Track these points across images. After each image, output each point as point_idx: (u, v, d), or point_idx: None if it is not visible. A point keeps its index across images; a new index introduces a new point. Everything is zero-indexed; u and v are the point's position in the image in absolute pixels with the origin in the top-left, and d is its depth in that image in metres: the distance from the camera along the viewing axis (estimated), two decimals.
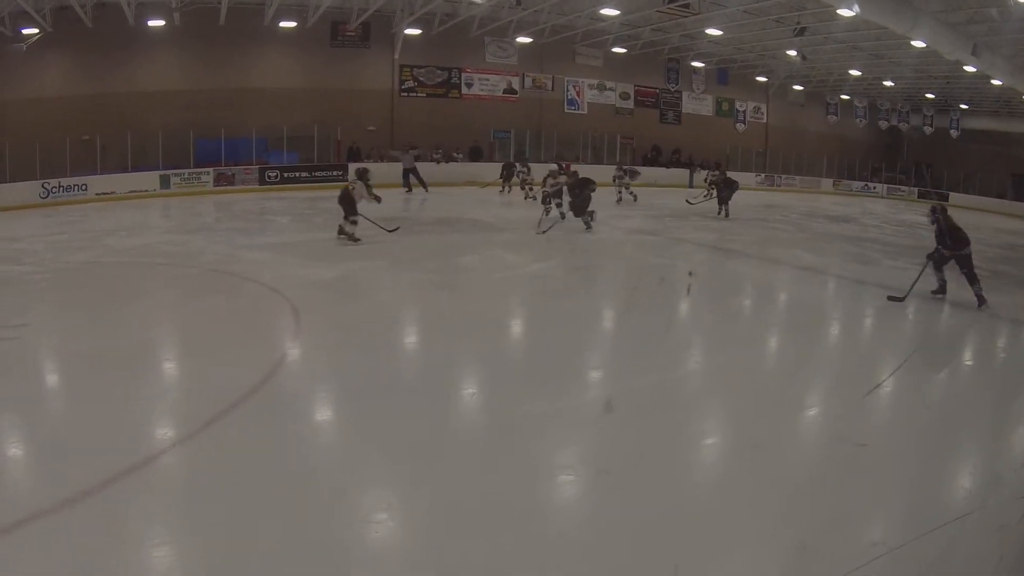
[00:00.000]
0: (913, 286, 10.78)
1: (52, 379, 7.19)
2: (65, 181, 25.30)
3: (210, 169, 24.95)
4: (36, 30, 26.62)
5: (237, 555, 3.94)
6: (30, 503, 4.38)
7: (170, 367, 7.49)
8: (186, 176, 25.65)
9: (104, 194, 25.22)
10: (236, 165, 25.44)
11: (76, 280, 11.83)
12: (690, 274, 12.73)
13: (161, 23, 26.52)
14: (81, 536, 4.09)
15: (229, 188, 24.46)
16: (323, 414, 6.28)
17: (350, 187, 14.04)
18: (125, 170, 25.47)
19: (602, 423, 6.00)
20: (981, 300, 10.67)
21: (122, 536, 4.10)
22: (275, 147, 26.91)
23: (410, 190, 25.13)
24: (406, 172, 25.40)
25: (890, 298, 10.88)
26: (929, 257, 11.03)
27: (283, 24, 27.26)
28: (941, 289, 11.14)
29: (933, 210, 11.23)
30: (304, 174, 26.21)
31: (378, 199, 14.05)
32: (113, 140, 25.50)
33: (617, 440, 5.67)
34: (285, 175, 26.15)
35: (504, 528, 4.27)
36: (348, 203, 13.92)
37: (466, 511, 4.44)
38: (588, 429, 5.89)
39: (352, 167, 22.94)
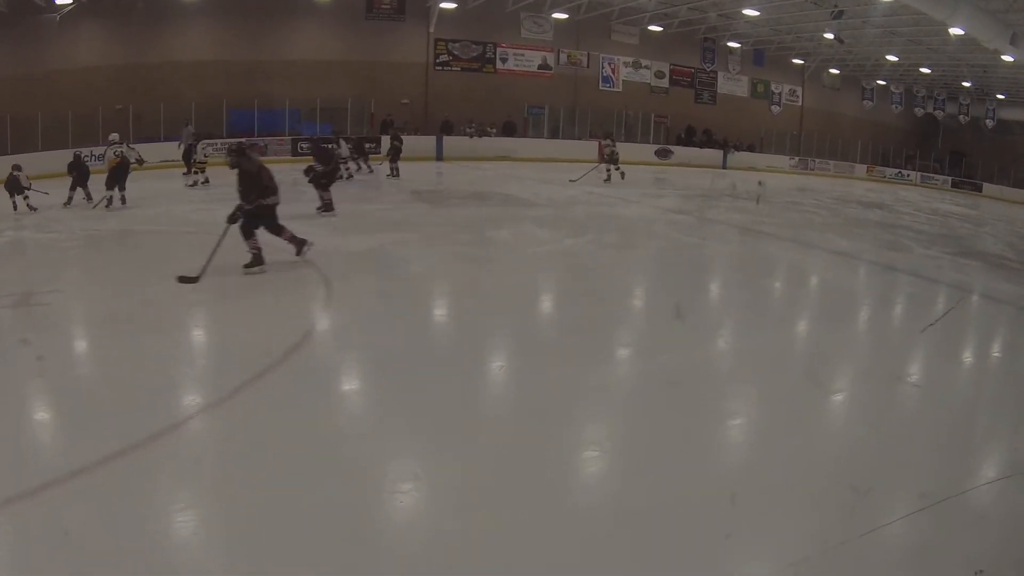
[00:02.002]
0: None
1: (81, 344, 7.21)
2: (97, 150, 25.39)
3: (243, 139, 24.82)
4: (69, 0, 26.72)
5: (261, 522, 3.93)
6: (59, 464, 4.42)
7: (199, 334, 7.55)
8: (218, 147, 25.70)
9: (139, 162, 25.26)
10: (269, 136, 25.40)
11: (106, 247, 11.99)
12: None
13: None
14: (109, 498, 4.11)
15: (261, 159, 24.36)
16: (351, 384, 6.23)
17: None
18: (158, 140, 25.41)
19: (633, 398, 5.96)
20: None
21: (149, 499, 4.12)
22: (308, 119, 26.95)
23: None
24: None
25: None
26: None
27: None
28: None
29: None
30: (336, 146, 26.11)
31: None
32: (146, 110, 25.67)
33: (654, 414, 5.61)
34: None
35: (530, 502, 4.23)
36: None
37: (492, 484, 4.40)
38: (617, 405, 5.82)
39: (384, 139, 22.96)
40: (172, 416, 5.14)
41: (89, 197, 15.52)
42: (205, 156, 20.11)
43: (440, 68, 29.80)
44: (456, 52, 29.88)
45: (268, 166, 10.02)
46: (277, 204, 9.66)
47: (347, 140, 21.93)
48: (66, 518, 3.89)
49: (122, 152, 15.86)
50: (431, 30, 29.34)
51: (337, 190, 14.90)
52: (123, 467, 4.44)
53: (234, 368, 6.03)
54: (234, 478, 4.38)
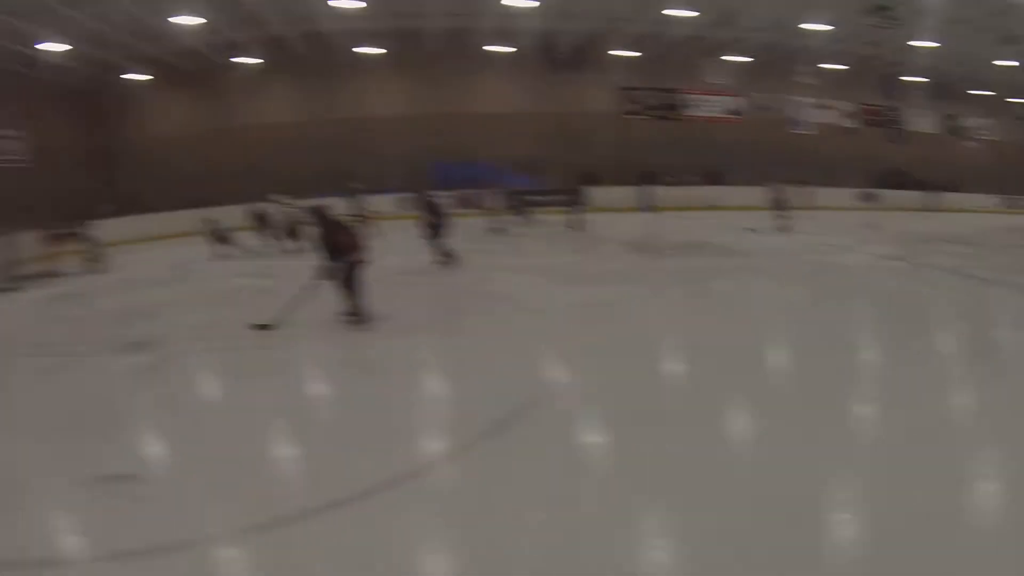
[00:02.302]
0: None
1: (320, 387, 7.93)
2: (300, 202, 26.37)
3: (449, 192, 25.54)
4: (253, 60, 28.49)
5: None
6: (299, 501, 4.74)
7: (435, 382, 7.82)
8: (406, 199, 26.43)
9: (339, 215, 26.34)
10: (472, 188, 25.98)
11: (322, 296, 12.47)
12: None
13: (377, 51, 28.08)
14: (345, 537, 4.34)
15: (469, 211, 24.80)
16: (584, 438, 6.11)
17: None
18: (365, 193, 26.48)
19: (879, 462, 5.37)
20: None
21: (385, 541, 4.30)
22: (509, 170, 27.35)
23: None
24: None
25: None
26: None
27: (501, 49, 28.02)
28: None
29: None
30: (539, 197, 26.45)
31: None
32: (341, 163, 26.78)
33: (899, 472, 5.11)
34: (524, 199, 26.38)
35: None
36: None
37: (732, 553, 4.13)
38: (863, 468, 5.25)
39: (584, 190, 23.02)
40: (408, 461, 5.43)
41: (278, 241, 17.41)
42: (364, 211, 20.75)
43: (629, 116, 29.85)
44: (642, 100, 29.97)
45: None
46: (358, 262, 10.02)
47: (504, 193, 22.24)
48: (300, 555, 4.16)
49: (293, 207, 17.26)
50: (615, 79, 29.48)
51: (547, 242, 15.20)
52: (359, 510, 4.69)
53: (472, 417, 6.24)
54: (468, 526, 4.52)
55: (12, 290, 16.19)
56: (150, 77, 30.53)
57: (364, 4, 23.71)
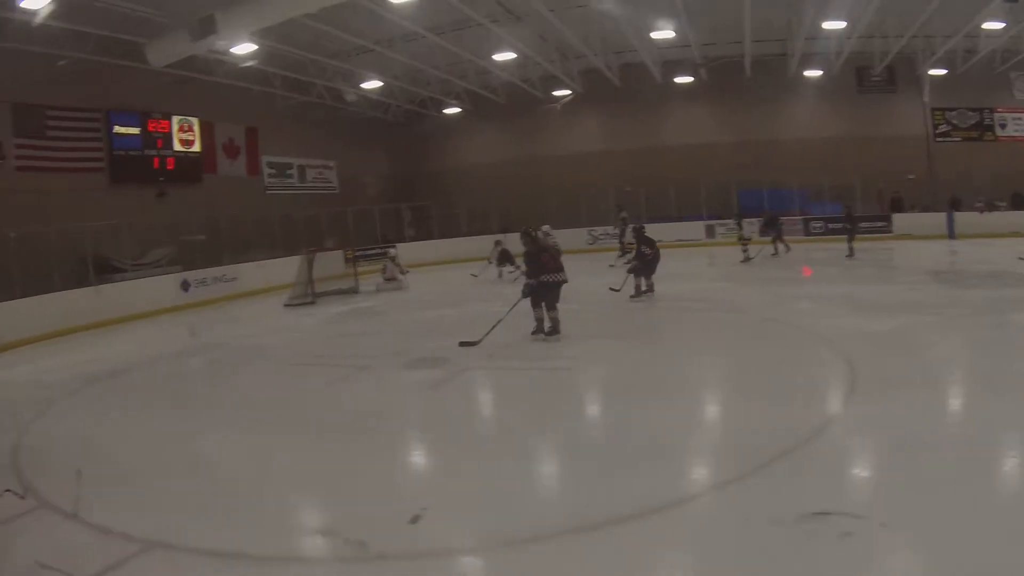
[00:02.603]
0: None
1: (590, 409, 8.25)
2: (612, 229, 26.92)
3: (754, 219, 25.59)
4: (568, 92, 29.32)
5: None
6: (553, 521, 4.93)
7: (708, 409, 7.93)
8: (730, 227, 26.58)
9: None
10: (780, 215, 25.87)
11: (624, 319, 13.27)
12: None
13: (688, 79, 27.97)
14: (604, 559, 4.43)
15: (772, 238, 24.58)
16: (871, 473, 5.83)
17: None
18: (670, 219, 26.62)
19: None
20: None
21: (644, 566, 4.37)
22: (816, 198, 27.05)
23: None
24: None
25: None
26: None
27: (808, 73, 27.51)
28: None
29: None
30: (848, 225, 26.10)
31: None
32: (655, 191, 27.02)
33: None
34: (829, 226, 25.98)
35: None
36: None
37: None
38: None
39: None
40: (681, 485, 5.51)
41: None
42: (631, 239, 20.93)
43: (940, 139, 28.93)
44: (954, 121, 29.00)
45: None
46: (562, 282, 11.19)
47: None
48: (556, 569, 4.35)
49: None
50: (925, 99, 28.59)
51: (843, 269, 15.99)
52: (624, 532, 4.74)
53: (753, 446, 6.11)
54: (733, 558, 4.42)
55: (312, 304, 18.07)
56: (461, 110, 32.12)
57: (674, 34, 23.93)
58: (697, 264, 21.45)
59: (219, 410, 9.15)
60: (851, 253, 20.60)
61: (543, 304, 11.15)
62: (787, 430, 6.40)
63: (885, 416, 6.74)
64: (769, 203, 26.11)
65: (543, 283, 11.08)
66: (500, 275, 20.18)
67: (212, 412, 9.02)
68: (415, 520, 5.16)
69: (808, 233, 26.47)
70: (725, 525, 4.86)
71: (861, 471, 5.87)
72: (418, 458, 7.14)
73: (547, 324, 11.22)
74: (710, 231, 27.58)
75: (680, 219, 27.67)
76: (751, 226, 22.65)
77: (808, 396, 7.65)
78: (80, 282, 18.11)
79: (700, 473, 6.04)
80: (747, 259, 21.06)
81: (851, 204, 23.50)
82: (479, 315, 13.14)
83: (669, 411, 7.31)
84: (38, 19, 16.23)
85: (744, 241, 21.59)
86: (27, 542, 5.29)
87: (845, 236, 21.20)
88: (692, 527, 4.94)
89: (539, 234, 17.70)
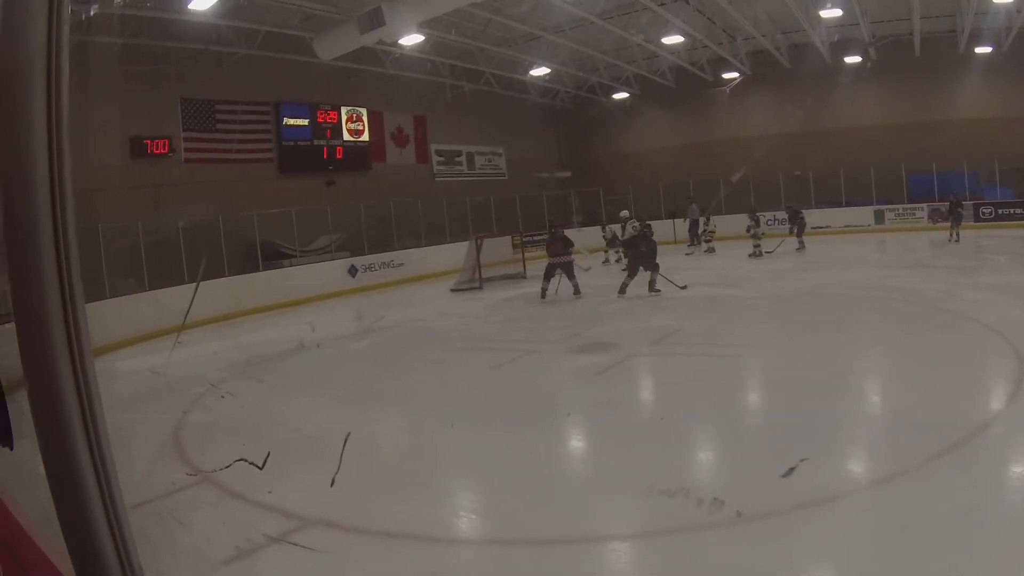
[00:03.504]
0: None
1: (755, 396, 8.10)
2: (780, 215, 26.25)
3: (923, 204, 24.04)
4: (736, 74, 28.31)
5: None
6: (710, 513, 4.68)
7: (876, 399, 7.63)
8: (900, 211, 25.12)
9: (818, 228, 25.71)
10: (952, 200, 24.28)
11: (793, 307, 13.09)
12: None
13: (857, 59, 26.75)
14: (746, 554, 4.27)
15: (944, 225, 23.11)
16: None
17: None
18: (838, 204, 25.97)
19: None
20: None
21: (788, 562, 4.20)
22: (987, 181, 25.60)
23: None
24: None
25: None
26: None
27: (977, 50, 25.76)
28: None
29: None
30: (1019, 210, 24.22)
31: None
32: (824, 175, 26.25)
33: None
34: (1000, 211, 24.70)
35: None
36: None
37: None
38: None
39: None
40: (829, 481, 5.17)
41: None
42: (714, 227, 22.68)
43: None
44: None
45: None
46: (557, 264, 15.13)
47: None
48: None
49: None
50: None
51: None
52: (772, 525, 4.58)
53: (917, 438, 5.80)
54: (890, 553, 4.16)
55: (479, 289, 18.34)
56: (629, 95, 31.90)
57: (841, 12, 22.69)
58: (866, 250, 20.88)
59: (384, 392, 9.32)
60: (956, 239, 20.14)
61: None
62: (947, 423, 6.09)
63: None
64: (939, 187, 25.18)
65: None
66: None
67: (377, 394, 9.22)
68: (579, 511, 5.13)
69: (978, 219, 24.88)
70: (882, 522, 4.65)
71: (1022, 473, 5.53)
72: (577, 443, 7.15)
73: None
74: (879, 216, 26.36)
75: (849, 204, 26.64)
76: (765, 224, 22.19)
77: (974, 389, 7.34)
78: (249, 268, 18.78)
79: (859, 468, 5.80)
80: (758, 254, 20.74)
81: (958, 192, 23.18)
82: (647, 300, 12.92)
83: (830, 402, 7.07)
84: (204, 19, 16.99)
85: (756, 238, 21.12)
86: (188, 516, 5.48)
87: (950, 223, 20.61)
88: (849, 523, 4.77)
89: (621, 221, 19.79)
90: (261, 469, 5.49)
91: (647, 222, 16.02)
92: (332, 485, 5.14)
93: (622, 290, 14.55)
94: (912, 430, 6.09)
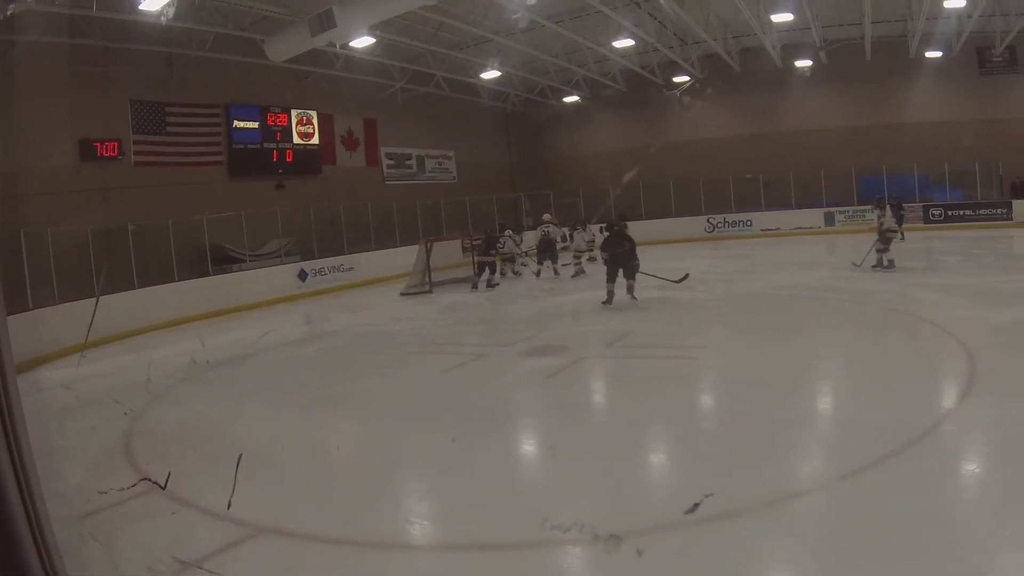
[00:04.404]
0: None
1: (708, 399, 8.09)
2: (730, 217, 26.59)
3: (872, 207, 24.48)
4: (686, 78, 28.66)
5: None
6: (664, 513, 4.77)
7: (827, 401, 7.68)
8: (850, 214, 25.70)
9: (768, 230, 26.07)
10: (902, 202, 24.59)
11: (746, 309, 13.05)
12: None
13: (807, 63, 27.20)
14: (706, 553, 4.32)
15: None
16: (987, 474, 5.33)
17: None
18: (789, 207, 26.25)
19: None
20: None
21: (744, 561, 4.18)
22: (936, 183, 26.07)
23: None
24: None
25: None
26: None
27: (928, 54, 26.26)
28: None
29: None
30: (968, 212, 24.83)
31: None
32: (774, 178, 26.65)
33: None
34: (949, 213, 25.21)
35: None
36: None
37: None
38: None
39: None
40: (784, 483, 5.19)
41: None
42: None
43: None
44: None
45: None
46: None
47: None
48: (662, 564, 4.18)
49: (548, 231, 19.34)
50: None
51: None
52: (727, 525, 4.57)
53: (862, 440, 5.81)
54: (835, 555, 4.20)
55: (429, 293, 18.26)
56: (579, 98, 32.15)
57: (792, 16, 23.13)
58: (816, 252, 21.06)
59: (335, 397, 9.23)
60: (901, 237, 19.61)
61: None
62: (896, 425, 6.11)
63: (1001, 412, 6.33)
64: (889, 189, 25.21)
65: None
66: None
67: (328, 399, 9.11)
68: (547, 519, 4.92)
69: (928, 220, 25.45)
70: (835, 522, 4.69)
71: (970, 469, 5.54)
72: (529, 448, 7.11)
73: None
74: (829, 218, 26.68)
75: (799, 206, 26.93)
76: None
77: (924, 390, 7.43)
78: (198, 272, 18.47)
79: (812, 468, 5.80)
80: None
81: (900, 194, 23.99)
82: (599, 303, 13.07)
83: (784, 404, 7.09)
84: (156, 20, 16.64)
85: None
86: (139, 526, 5.37)
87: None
88: (803, 522, 4.76)
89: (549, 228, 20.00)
90: (163, 488, 5.50)
91: (623, 221, 15.17)
92: (228, 508, 5.06)
93: (608, 300, 13.69)
94: (865, 430, 6.11)
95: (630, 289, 13.51)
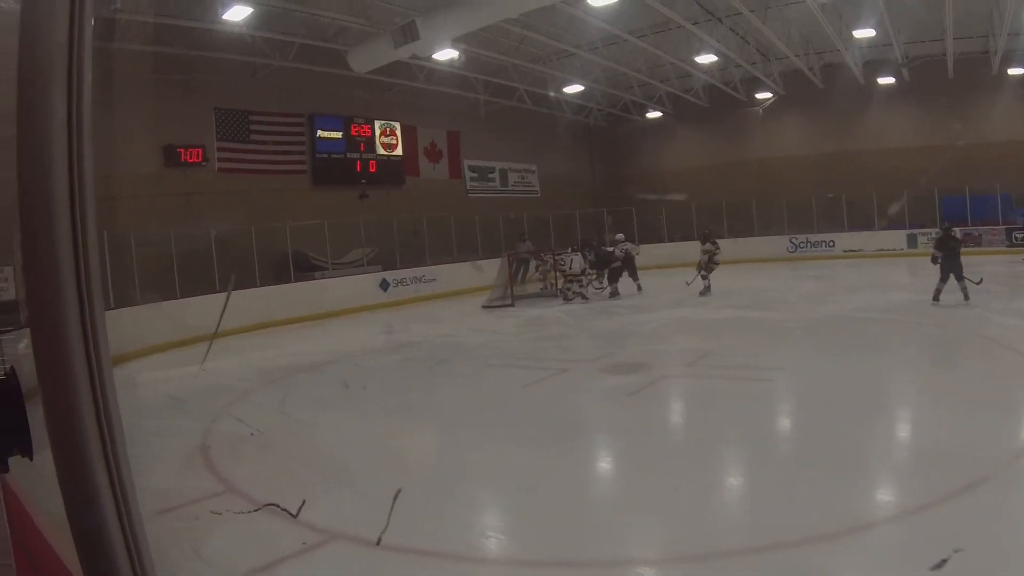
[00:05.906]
0: None
1: (786, 422, 7.94)
2: (812, 237, 25.97)
3: (956, 228, 23.44)
4: (769, 94, 28.10)
5: None
6: (735, 537, 4.64)
7: (905, 426, 7.44)
8: (933, 235, 24.65)
9: (851, 251, 25.34)
10: (982, 224, 24.29)
11: (825, 331, 12.76)
12: None
13: (890, 80, 26.63)
14: None
15: (974, 249, 22.57)
16: None
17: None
18: (871, 228, 25.60)
19: None
20: None
21: None
22: (1019, 204, 25.12)
23: None
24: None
25: None
26: None
27: (1010, 71, 25.45)
28: None
29: None
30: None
31: None
32: (857, 197, 26.01)
33: None
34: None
35: None
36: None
37: None
38: None
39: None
40: (855, 512, 4.94)
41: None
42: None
43: None
44: None
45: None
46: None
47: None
48: None
49: (627, 248, 19.24)
50: None
51: None
52: (802, 555, 4.39)
53: (938, 468, 5.61)
54: None
55: (511, 306, 18.32)
56: (662, 113, 31.91)
57: (874, 33, 22.70)
58: (898, 274, 20.38)
59: (413, 406, 9.31)
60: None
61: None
62: (973, 454, 5.89)
63: None
64: (972, 211, 24.76)
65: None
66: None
67: (406, 407, 9.21)
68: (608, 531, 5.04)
69: (1011, 243, 24.20)
70: (904, 555, 4.49)
71: None
72: (605, 465, 7.05)
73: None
74: (912, 240, 25.79)
75: (882, 228, 26.26)
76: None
77: (1004, 418, 7.05)
78: (281, 279, 18.84)
79: (886, 498, 5.58)
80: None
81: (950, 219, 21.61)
82: (680, 321, 12.87)
83: (861, 430, 6.90)
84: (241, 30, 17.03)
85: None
86: (212, 527, 5.41)
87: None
88: (869, 555, 4.56)
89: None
90: (295, 517, 5.42)
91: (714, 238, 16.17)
92: (379, 544, 4.94)
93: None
94: (942, 461, 5.90)
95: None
